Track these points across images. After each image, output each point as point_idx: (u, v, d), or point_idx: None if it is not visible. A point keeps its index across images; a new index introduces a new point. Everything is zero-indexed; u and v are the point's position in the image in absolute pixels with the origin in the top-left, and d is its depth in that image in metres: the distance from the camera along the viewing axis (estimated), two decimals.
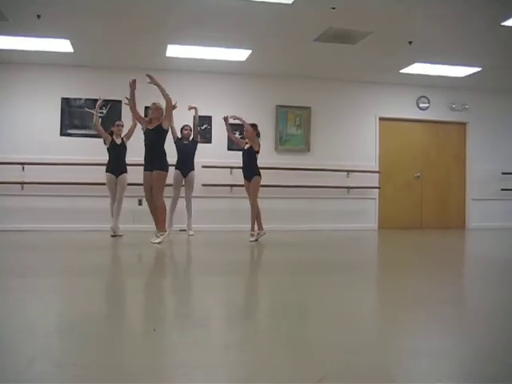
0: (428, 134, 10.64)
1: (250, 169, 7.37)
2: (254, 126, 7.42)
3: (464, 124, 10.76)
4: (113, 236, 7.72)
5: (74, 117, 8.96)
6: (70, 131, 8.94)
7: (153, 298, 3.61)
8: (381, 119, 10.28)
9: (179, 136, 8.25)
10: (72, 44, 7.70)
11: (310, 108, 9.85)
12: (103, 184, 8.59)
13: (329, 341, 2.51)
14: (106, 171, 7.81)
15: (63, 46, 7.75)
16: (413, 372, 2.14)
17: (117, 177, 7.80)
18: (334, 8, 6.24)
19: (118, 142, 7.86)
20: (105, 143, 7.83)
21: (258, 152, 7.37)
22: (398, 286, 4.09)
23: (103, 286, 3.95)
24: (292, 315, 3.10)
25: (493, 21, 6.56)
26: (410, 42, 7.50)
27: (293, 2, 6.03)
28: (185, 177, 8.25)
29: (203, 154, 8.95)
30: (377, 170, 10.14)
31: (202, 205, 8.75)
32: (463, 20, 6.59)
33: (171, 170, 7.63)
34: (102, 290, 3.77)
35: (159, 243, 6.64)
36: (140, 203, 8.98)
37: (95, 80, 9.00)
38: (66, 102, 8.94)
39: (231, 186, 9.05)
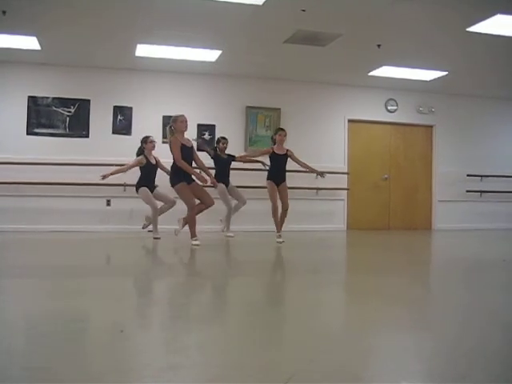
0: (396, 137, 10.79)
1: (285, 172, 7.56)
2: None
3: (431, 127, 10.95)
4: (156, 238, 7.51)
5: (41, 116, 8.80)
6: (36, 130, 8.78)
7: (121, 298, 3.58)
8: (350, 121, 10.38)
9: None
10: (39, 41, 7.56)
11: (279, 109, 9.89)
12: (70, 184, 8.51)
13: (297, 340, 2.53)
14: (142, 186, 7.55)
15: (30, 43, 7.60)
16: (380, 371, 2.17)
17: (152, 191, 7.59)
18: (303, 10, 6.28)
19: (153, 161, 7.66)
20: (140, 163, 7.60)
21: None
22: (368, 287, 4.13)
23: (69, 287, 3.90)
24: (261, 315, 3.11)
25: (459, 26, 6.69)
26: (379, 46, 7.60)
27: (263, 4, 6.05)
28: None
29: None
30: (345, 171, 10.24)
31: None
32: (430, 25, 6.71)
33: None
34: (68, 291, 3.72)
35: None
36: (108, 204, 8.89)
37: (63, 79, 8.87)
38: (33, 101, 8.78)
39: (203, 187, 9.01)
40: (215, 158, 8.34)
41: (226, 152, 8.43)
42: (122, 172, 7.61)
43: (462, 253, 7.07)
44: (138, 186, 7.59)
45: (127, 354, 2.31)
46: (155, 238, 7.49)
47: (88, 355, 2.29)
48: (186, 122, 6.68)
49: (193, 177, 6.66)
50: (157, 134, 8.40)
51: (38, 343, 2.40)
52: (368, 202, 10.49)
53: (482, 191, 10.86)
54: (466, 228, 10.56)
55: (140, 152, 7.68)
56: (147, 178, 7.62)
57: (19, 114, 8.70)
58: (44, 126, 8.82)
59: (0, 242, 7.27)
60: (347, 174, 10.23)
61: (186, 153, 6.60)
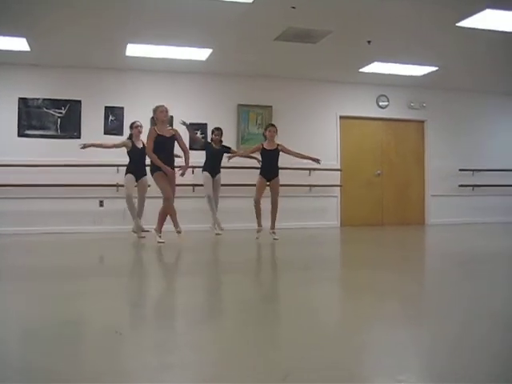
0: (388, 132, 10.81)
1: (277, 168, 7.57)
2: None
3: (422, 122, 10.98)
4: (141, 237, 7.53)
5: (32, 117, 8.75)
6: (28, 132, 8.73)
7: (117, 299, 3.57)
8: (341, 118, 10.39)
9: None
10: (28, 42, 7.52)
11: (271, 107, 9.89)
12: (63, 185, 8.49)
13: (292, 338, 2.53)
14: (129, 172, 7.60)
15: (19, 44, 7.55)
16: (374, 367, 2.18)
17: (137, 180, 7.60)
18: (293, 7, 6.28)
19: (140, 145, 7.63)
20: (126, 147, 7.65)
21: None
22: (362, 283, 4.14)
23: (65, 289, 3.88)
24: (255, 313, 3.11)
25: (448, 22, 6.71)
26: (369, 42, 7.61)
27: (253, 1, 6.04)
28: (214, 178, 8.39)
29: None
30: (338, 167, 10.25)
31: None
32: (420, 21, 6.72)
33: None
34: (64, 293, 3.70)
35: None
36: (101, 204, 8.86)
37: (53, 79, 8.83)
38: (24, 102, 8.73)
39: (193, 185, 9.01)
40: (206, 147, 8.47)
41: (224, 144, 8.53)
42: (104, 147, 7.74)
43: (456, 247, 7.10)
44: (126, 171, 7.65)
45: (123, 354, 2.31)
46: (139, 237, 7.50)
47: (85, 356, 2.28)
48: (167, 111, 6.79)
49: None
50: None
51: (36, 345, 2.39)
52: (361, 198, 10.50)
53: (474, 185, 10.91)
54: (459, 222, 10.59)
55: (129, 138, 7.76)
56: (134, 162, 7.61)
57: (10, 116, 8.65)
58: (35, 128, 8.78)
59: None
60: (340, 170, 10.25)
61: (163, 143, 6.63)
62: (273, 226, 7.55)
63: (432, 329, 2.73)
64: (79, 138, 8.88)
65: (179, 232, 6.79)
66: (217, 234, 8.14)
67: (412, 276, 4.58)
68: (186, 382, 2.00)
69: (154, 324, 2.90)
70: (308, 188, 9.91)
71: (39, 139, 8.76)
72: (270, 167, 7.51)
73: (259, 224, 7.56)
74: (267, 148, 7.51)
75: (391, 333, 2.67)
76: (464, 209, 10.81)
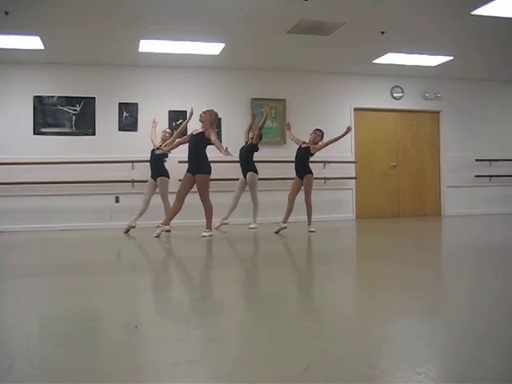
0: (402, 124, 10.74)
1: (304, 166, 7.93)
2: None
3: (437, 112, 10.88)
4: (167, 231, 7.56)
5: (47, 115, 8.81)
6: (43, 130, 8.80)
7: (134, 294, 3.59)
8: (356, 110, 10.34)
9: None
10: (42, 41, 7.57)
11: (284, 100, 9.86)
12: (79, 182, 8.58)
13: (310, 330, 2.53)
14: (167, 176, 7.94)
15: (33, 42, 7.60)
16: (393, 358, 2.17)
17: (155, 180, 7.83)
18: (306, 0, 6.24)
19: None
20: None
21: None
22: (379, 275, 4.13)
23: (80, 284, 3.91)
24: (273, 307, 3.11)
25: (463, 10, 6.63)
26: (383, 33, 7.54)
27: None
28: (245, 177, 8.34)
29: (180, 149, 8.90)
30: (353, 160, 10.21)
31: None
32: (434, 9, 6.65)
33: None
34: (80, 288, 3.73)
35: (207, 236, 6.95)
36: (117, 200, 8.92)
37: (67, 77, 8.89)
38: (39, 100, 8.79)
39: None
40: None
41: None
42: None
43: (474, 239, 7.04)
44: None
45: (142, 349, 2.32)
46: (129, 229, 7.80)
47: (103, 351, 2.30)
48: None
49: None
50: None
51: (54, 342, 2.41)
52: (376, 190, 10.46)
53: (491, 176, 10.80)
54: (476, 213, 10.50)
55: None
56: (150, 162, 7.99)
57: (25, 115, 8.72)
58: (50, 126, 8.84)
59: (11, 241, 7.32)
60: (355, 162, 10.21)
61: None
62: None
63: (452, 321, 2.71)
64: (94, 134, 8.95)
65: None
66: (220, 226, 8.18)
67: (431, 269, 4.55)
68: (208, 376, 2.00)
69: (173, 319, 2.91)
70: (323, 181, 9.88)
71: (55, 137, 8.83)
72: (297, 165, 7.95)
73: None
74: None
75: (411, 325, 2.66)
76: (481, 200, 10.72)
